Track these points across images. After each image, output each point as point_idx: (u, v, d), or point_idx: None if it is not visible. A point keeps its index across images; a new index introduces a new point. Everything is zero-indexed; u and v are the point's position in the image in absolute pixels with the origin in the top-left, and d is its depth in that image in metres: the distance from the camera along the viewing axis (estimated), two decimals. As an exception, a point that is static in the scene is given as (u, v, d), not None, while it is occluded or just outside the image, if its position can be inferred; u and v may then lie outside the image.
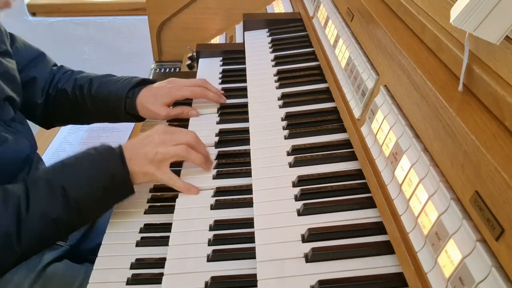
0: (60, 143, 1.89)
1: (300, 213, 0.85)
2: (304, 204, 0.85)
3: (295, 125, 1.08)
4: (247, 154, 1.05)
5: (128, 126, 1.88)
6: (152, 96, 1.23)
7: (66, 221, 0.93)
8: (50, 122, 1.38)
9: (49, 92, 1.29)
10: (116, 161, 0.95)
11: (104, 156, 0.96)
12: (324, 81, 1.21)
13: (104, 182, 0.94)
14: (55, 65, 1.35)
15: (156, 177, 0.99)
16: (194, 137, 1.05)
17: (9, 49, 1.16)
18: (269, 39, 1.52)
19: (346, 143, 0.99)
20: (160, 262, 0.86)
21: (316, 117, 1.11)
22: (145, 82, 1.27)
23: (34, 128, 1.21)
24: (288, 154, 1.00)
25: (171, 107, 1.26)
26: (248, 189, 0.95)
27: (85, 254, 1.18)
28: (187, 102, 1.29)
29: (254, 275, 0.75)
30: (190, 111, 1.25)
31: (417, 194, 0.67)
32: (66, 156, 0.98)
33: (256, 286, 0.73)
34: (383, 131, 0.82)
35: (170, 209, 0.97)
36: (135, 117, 1.27)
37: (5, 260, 0.92)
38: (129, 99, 1.23)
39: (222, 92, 1.32)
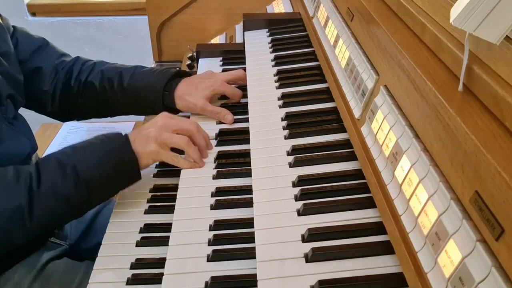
0: (60, 143, 1.90)
1: (300, 213, 0.85)
2: (304, 204, 0.85)
3: (295, 125, 1.08)
4: (247, 154, 1.05)
5: (128, 127, 1.89)
6: (194, 89, 1.24)
7: (76, 200, 0.95)
8: (68, 115, 1.36)
9: (71, 85, 1.27)
10: (123, 142, 0.99)
11: (112, 139, 1.00)
12: (324, 81, 1.21)
13: (112, 162, 0.97)
14: (64, 54, 1.32)
15: (159, 155, 1.02)
16: (196, 126, 1.08)
17: (11, 49, 1.15)
18: (269, 39, 1.52)
19: (346, 143, 0.99)
20: (160, 262, 0.86)
21: (316, 117, 1.11)
22: (180, 74, 1.28)
23: (34, 128, 1.21)
24: (288, 154, 1.00)
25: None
26: (248, 189, 0.95)
27: (84, 254, 1.18)
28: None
29: (254, 275, 0.75)
30: (227, 115, 1.21)
31: (417, 194, 0.67)
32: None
33: (256, 286, 0.73)
34: (383, 131, 0.81)
35: (170, 209, 0.97)
36: (170, 110, 1.25)
37: (15, 235, 0.92)
38: (167, 92, 1.23)
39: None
